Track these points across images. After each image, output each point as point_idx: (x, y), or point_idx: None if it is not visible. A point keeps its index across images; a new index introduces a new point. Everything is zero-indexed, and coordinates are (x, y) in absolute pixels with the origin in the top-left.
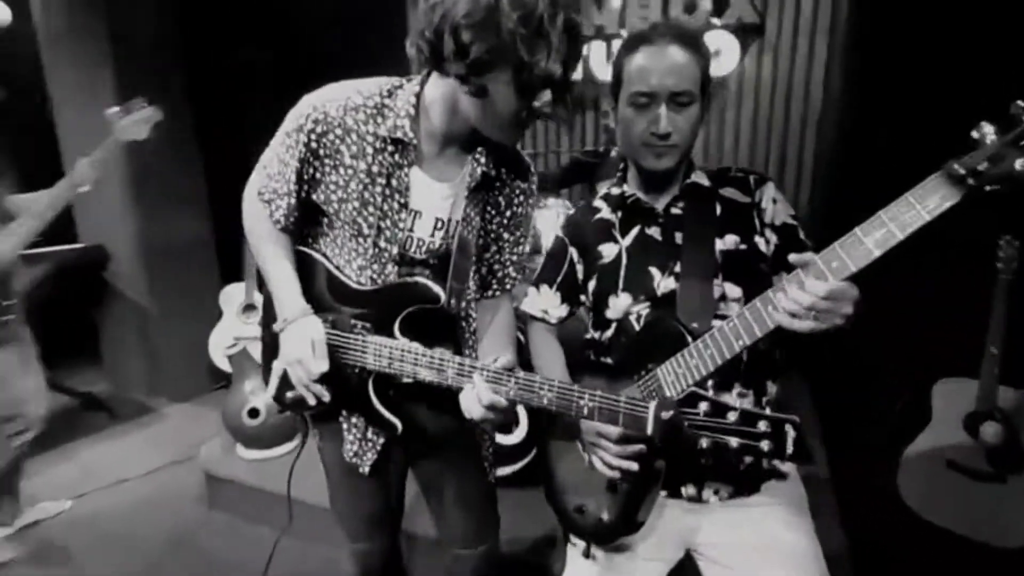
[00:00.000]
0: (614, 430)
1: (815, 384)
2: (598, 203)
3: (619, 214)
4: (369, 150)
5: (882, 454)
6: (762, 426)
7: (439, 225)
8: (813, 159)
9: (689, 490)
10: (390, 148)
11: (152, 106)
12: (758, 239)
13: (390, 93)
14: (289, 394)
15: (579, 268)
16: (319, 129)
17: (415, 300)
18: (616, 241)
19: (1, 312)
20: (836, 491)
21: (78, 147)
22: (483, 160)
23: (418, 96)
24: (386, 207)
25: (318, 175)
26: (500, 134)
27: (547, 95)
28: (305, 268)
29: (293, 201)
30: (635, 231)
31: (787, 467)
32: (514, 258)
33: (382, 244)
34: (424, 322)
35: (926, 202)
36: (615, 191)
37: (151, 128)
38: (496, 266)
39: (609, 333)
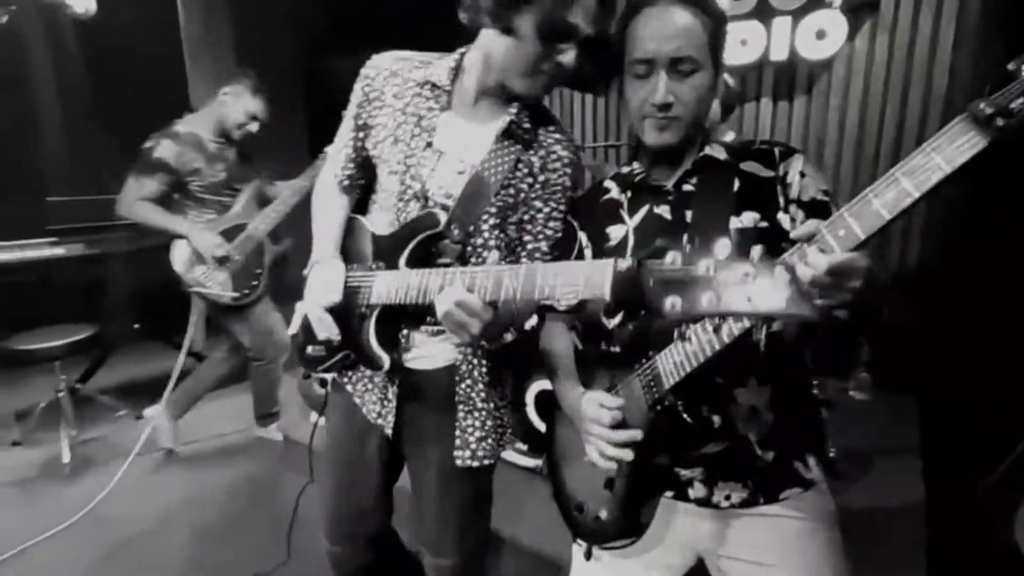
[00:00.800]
0: (606, 414)
1: (925, 409)
2: (608, 183)
3: (628, 194)
4: (408, 93)
5: (997, 499)
6: (743, 271)
7: (461, 169)
8: None
9: (697, 492)
10: (426, 92)
11: None
12: (782, 216)
13: (441, 56)
14: (309, 349)
15: (587, 254)
16: (371, 74)
17: (420, 230)
18: (623, 222)
19: (255, 277)
20: (931, 538)
21: None
22: (515, 113)
23: (462, 55)
24: (413, 144)
25: (369, 120)
26: (523, 83)
27: (571, 51)
28: (352, 231)
29: (350, 151)
30: (643, 210)
31: (813, 473)
32: (548, 232)
33: (408, 181)
34: (431, 255)
35: (946, 151)
36: (624, 170)
37: None
38: (527, 237)
39: (616, 320)
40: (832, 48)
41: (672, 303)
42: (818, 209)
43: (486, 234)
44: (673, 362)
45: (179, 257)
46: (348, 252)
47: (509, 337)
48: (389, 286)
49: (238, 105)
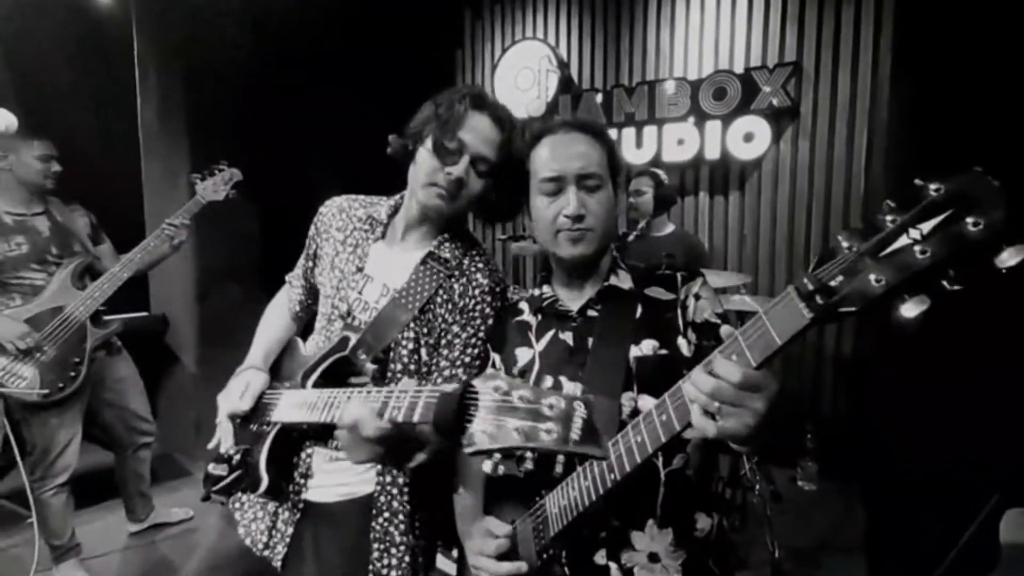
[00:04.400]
0: (492, 543)
1: (871, 502)
2: (522, 304)
3: (538, 317)
4: (350, 227)
5: None
6: (547, 407)
7: (385, 292)
8: None
9: None
10: (366, 226)
11: (232, 168)
12: (681, 341)
13: (388, 198)
14: (211, 466)
15: None
16: (323, 210)
17: (332, 352)
18: (531, 346)
19: (73, 368)
20: None
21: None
22: (438, 242)
23: (402, 196)
24: (346, 269)
25: (318, 251)
26: (424, 193)
27: (460, 164)
28: (289, 351)
29: (302, 280)
30: (549, 335)
31: None
32: (466, 359)
33: (336, 303)
34: (345, 377)
35: (777, 322)
36: (536, 292)
37: (230, 189)
38: (444, 363)
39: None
40: (759, 150)
41: (480, 428)
42: (710, 331)
43: (405, 359)
44: (560, 506)
45: None
46: (282, 371)
47: (421, 457)
48: (290, 404)
49: (23, 157)
